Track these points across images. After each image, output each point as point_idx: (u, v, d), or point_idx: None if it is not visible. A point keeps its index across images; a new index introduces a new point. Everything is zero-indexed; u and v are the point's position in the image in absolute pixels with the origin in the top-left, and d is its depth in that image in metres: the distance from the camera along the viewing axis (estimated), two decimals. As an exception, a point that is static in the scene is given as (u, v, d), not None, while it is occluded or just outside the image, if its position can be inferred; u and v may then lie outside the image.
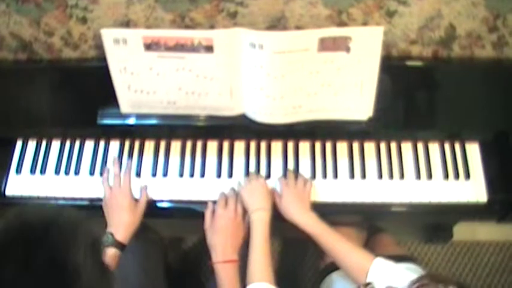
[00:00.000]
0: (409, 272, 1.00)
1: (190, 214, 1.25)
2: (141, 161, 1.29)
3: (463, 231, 1.84)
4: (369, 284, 1.00)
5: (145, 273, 1.28)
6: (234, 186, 1.24)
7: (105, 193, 1.22)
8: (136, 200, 1.21)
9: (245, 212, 1.18)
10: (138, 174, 1.28)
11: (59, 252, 0.68)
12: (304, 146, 1.30)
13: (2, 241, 0.69)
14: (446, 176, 1.26)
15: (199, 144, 1.31)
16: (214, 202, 1.21)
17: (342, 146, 1.30)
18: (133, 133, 1.31)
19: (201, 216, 1.19)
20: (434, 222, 1.80)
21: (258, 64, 1.09)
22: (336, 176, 1.27)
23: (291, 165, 1.28)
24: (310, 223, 1.15)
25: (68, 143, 1.33)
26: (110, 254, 1.09)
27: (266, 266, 1.07)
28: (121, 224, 1.15)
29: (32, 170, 1.30)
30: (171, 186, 1.27)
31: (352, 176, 1.27)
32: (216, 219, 1.17)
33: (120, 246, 1.12)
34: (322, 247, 1.14)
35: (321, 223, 1.14)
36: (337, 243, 1.11)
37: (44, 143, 1.33)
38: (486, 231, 1.88)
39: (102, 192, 1.23)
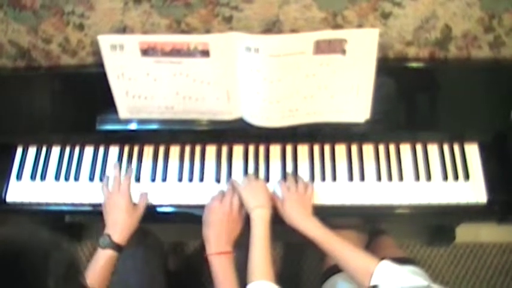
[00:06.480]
0: (414, 275, 1.00)
1: (189, 218, 1.26)
2: (140, 166, 1.30)
3: (465, 233, 1.83)
4: (374, 286, 0.99)
5: (145, 278, 1.28)
6: (233, 180, 1.24)
7: (104, 195, 1.23)
8: (135, 204, 1.22)
9: (242, 205, 1.18)
10: (138, 179, 1.29)
11: (27, 281, 0.65)
12: (303, 149, 1.30)
13: None
14: (446, 177, 1.26)
15: (198, 148, 1.31)
16: None
17: (341, 149, 1.29)
18: (132, 138, 1.31)
19: (200, 220, 1.19)
20: (435, 224, 1.79)
21: (254, 68, 1.09)
22: (334, 178, 1.27)
23: (289, 168, 1.28)
24: (312, 229, 1.14)
25: (67, 149, 1.34)
26: (107, 255, 1.10)
27: (267, 264, 1.07)
28: (118, 225, 1.15)
29: (33, 176, 1.31)
30: (170, 191, 1.27)
31: (350, 178, 1.26)
32: (211, 212, 1.17)
33: (117, 248, 1.12)
34: (325, 252, 1.13)
35: (324, 228, 1.14)
36: (341, 248, 1.10)
37: (44, 150, 1.34)
38: (489, 233, 1.87)
39: (102, 196, 1.23)
